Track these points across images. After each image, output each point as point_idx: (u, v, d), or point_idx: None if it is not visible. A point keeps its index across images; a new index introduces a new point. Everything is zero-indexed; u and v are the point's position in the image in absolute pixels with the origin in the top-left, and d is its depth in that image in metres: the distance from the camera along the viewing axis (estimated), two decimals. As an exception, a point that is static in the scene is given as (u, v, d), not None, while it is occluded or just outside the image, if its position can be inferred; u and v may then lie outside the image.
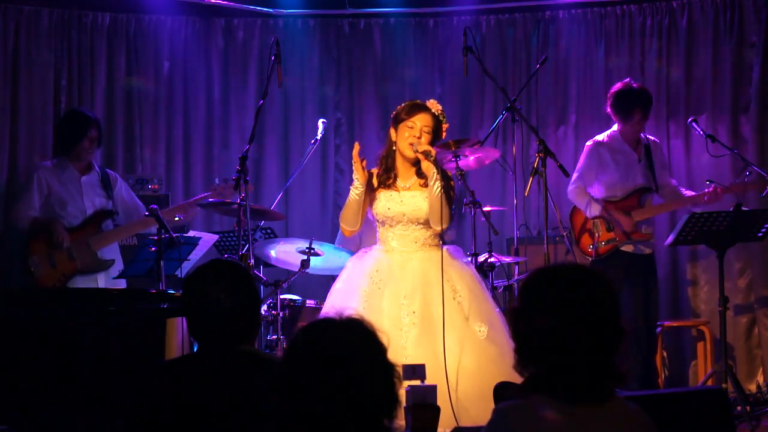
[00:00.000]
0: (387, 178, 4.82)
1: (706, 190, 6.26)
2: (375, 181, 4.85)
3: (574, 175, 6.24)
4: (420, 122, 4.75)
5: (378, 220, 4.85)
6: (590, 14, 7.50)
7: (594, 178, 6.33)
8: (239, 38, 7.68)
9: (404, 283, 4.69)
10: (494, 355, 4.51)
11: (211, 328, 2.93)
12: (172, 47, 7.52)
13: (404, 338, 4.53)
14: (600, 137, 6.42)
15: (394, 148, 4.82)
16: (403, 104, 4.87)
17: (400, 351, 4.44)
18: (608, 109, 6.38)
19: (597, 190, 6.38)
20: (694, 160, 7.16)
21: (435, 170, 4.67)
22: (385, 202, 4.80)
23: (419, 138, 4.73)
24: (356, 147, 4.77)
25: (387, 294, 4.68)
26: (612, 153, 6.32)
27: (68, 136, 6.23)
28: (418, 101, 4.87)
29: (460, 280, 4.73)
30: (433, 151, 4.70)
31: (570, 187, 6.31)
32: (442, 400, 4.31)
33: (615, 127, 6.40)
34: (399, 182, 4.83)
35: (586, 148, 6.41)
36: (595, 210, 6.28)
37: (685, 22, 7.27)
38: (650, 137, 6.51)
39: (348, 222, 4.86)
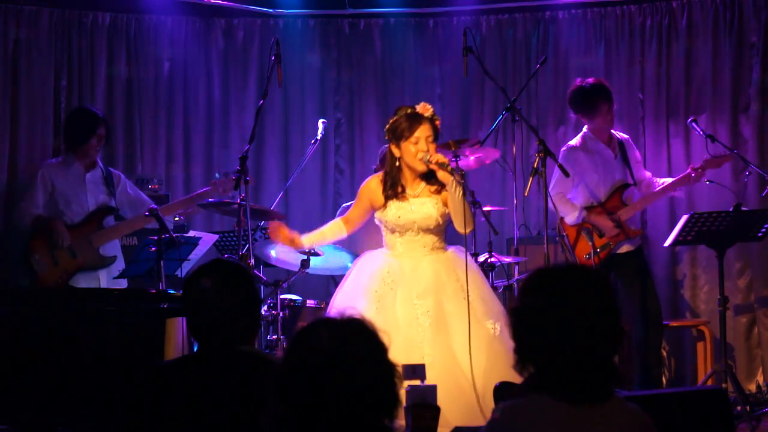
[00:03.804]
0: (394, 193, 4.84)
1: (687, 172, 6.26)
2: (381, 197, 4.86)
3: (552, 182, 6.13)
4: (422, 134, 4.75)
5: (388, 228, 4.89)
6: (590, 14, 7.50)
7: (572, 183, 6.29)
8: (239, 38, 7.68)
9: (416, 284, 4.74)
10: (506, 351, 4.54)
11: (211, 329, 2.94)
12: (172, 47, 7.52)
13: (420, 337, 4.58)
14: (573, 142, 6.38)
15: (398, 164, 4.83)
16: (396, 117, 4.82)
17: (417, 349, 4.51)
18: (572, 114, 6.36)
19: (579, 196, 6.34)
20: (695, 160, 7.15)
21: (452, 178, 4.70)
22: (396, 211, 4.83)
23: (426, 150, 4.74)
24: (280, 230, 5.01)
25: (400, 295, 4.72)
26: (588, 155, 6.29)
27: (77, 133, 6.27)
28: (410, 110, 4.81)
29: (469, 280, 4.76)
30: (446, 160, 4.75)
31: (550, 192, 6.25)
32: (456, 397, 4.37)
33: (585, 128, 6.37)
34: (408, 191, 4.85)
35: (561, 155, 6.27)
36: (574, 218, 6.24)
37: (685, 22, 7.26)
38: (621, 135, 6.48)
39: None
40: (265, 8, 7.67)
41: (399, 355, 4.42)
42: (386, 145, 6.40)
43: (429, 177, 4.85)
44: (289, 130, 7.71)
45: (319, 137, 6.27)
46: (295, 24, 7.73)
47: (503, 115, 6.07)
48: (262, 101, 5.44)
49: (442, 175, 4.74)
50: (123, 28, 7.40)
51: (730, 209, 5.93)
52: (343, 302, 4.81)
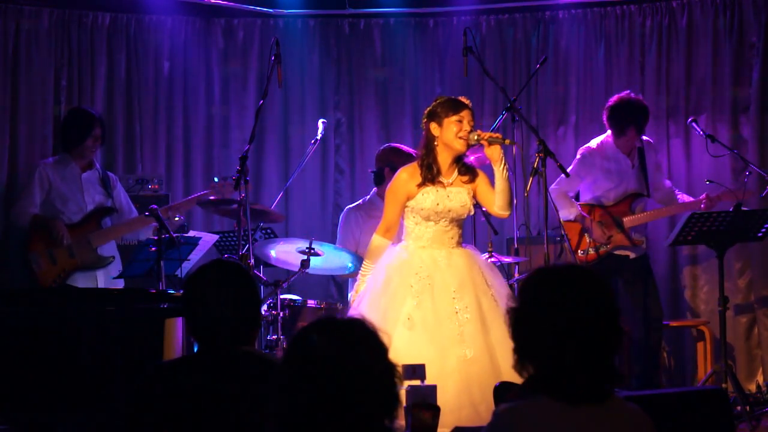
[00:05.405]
0: (430, 174, 4.79)
1: (701, 197, 6.28)
2: (413, 185, 4.80)
3: (558, 178, 6.23)
4: (466, 117, 4.78)
5: (421, 216, 4.81)
6: (590, 14, 7.50)
7: (577, 186, 6.37)
8: (239, 38, 7.67)
9: (452, 276, 4.71)
10: None
11: (210, 329, 2.94)
12: (172, 47, 7.52)
13: (459, 331, 4.55)
14: (593, 144, 6.42)
15: (436, 143, 4.80)
16: (440, 100, 4.84)
17: (457, 344, 4.50)
18: (604, 119, 6.39)
19: (587, 193, 6.38)
20: (694, 160, 7.16)
21: (501, 154, 4.73)
22: (435, 197, 4.78)
23: (471, 130, 4.76)
24: None
25: (437, 287, 4.67)
26: (604, 160, 6.31)
27: (73, 133, 6.27)
28: (456, 98, 4.86)
29: (491, 277, 4.79)
30: (499, 135, 4.77)
31: (552, 186, 6.31)
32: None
33: (609, 133, 6.40)
34: (442, 178, 4.82)
35: (579, 155, 6.42)
36: (569, 214, 6.28)
37: (685, 22, 7.27)
38: (644, 137, 6.48)
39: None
40: (265, 8, 7.67)
41: (438, 350, 4.45)
42: (385, 145, 6.43)
43: (462, 166, 4.85)
44: (289, 130, 7.71)
45: (319, 137, 6.27)
46: (295, 24, 7.73)
47: (503, 115, 6.07)
48: (262, 101, 5.44)
49: (492, 150, 4.73)
50: (123, 28, 7.40)
51: (730, 209, 5.93)
52: (375, 300, 4.71)
